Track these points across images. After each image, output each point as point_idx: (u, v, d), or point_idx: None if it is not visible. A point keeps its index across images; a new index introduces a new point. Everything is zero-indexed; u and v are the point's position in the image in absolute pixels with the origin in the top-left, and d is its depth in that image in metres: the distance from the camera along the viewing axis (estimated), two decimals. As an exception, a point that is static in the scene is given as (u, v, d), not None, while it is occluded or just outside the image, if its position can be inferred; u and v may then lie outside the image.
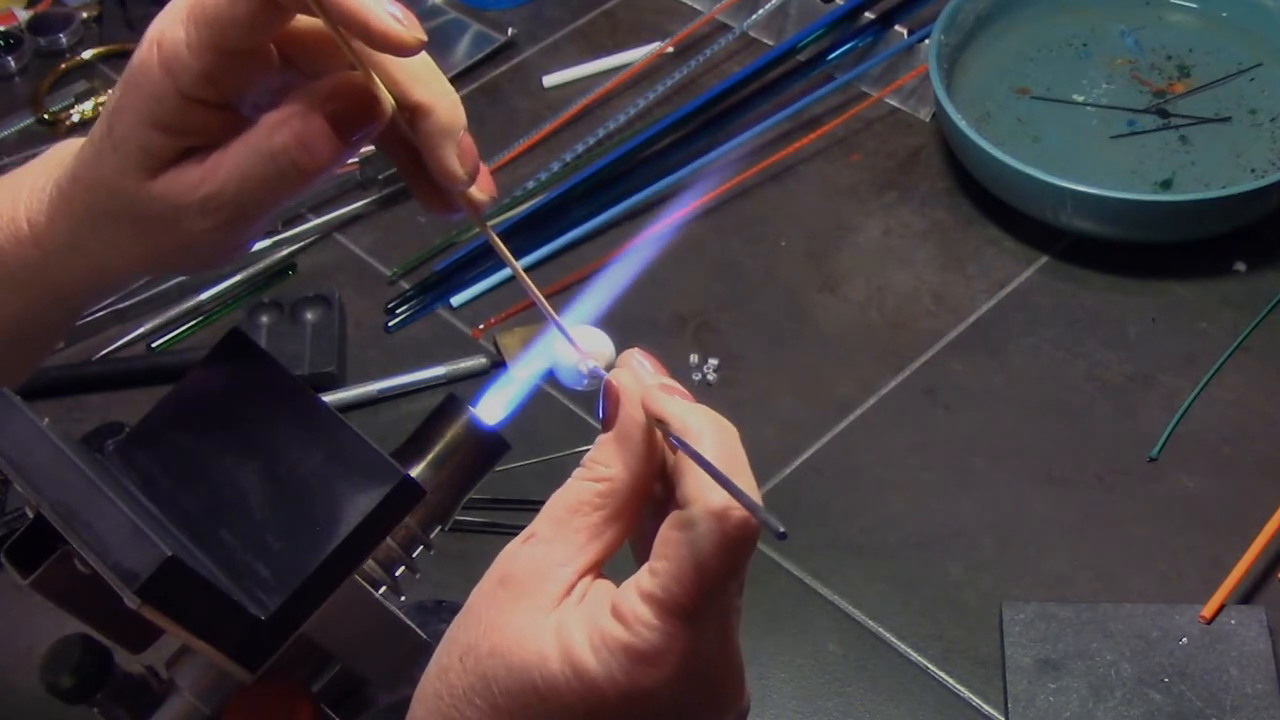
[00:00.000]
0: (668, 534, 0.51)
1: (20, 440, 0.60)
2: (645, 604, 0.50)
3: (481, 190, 0.60)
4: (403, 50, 0.56)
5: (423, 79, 0.59)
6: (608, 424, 0.55)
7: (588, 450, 0.56)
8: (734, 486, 0.49)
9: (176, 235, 0.61)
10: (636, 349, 0.57)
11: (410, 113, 0.59)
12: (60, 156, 0.65)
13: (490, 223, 1.21)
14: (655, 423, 0.54)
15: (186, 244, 0.61)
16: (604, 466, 0.54)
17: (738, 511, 0.49)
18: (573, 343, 0.60)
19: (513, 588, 0.53)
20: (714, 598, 0.51)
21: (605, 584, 0.53)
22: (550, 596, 0.53)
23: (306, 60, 0.61)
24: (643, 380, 0.55)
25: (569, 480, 0.55)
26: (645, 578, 0.51)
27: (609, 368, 0.59)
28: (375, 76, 0.58)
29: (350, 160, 1.27)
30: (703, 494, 0.50)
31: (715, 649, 0.53)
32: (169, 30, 0.58)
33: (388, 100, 0.58)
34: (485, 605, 0.54)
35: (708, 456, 0.50)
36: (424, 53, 0.59)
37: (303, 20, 0.60)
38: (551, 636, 0.52)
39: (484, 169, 0.60)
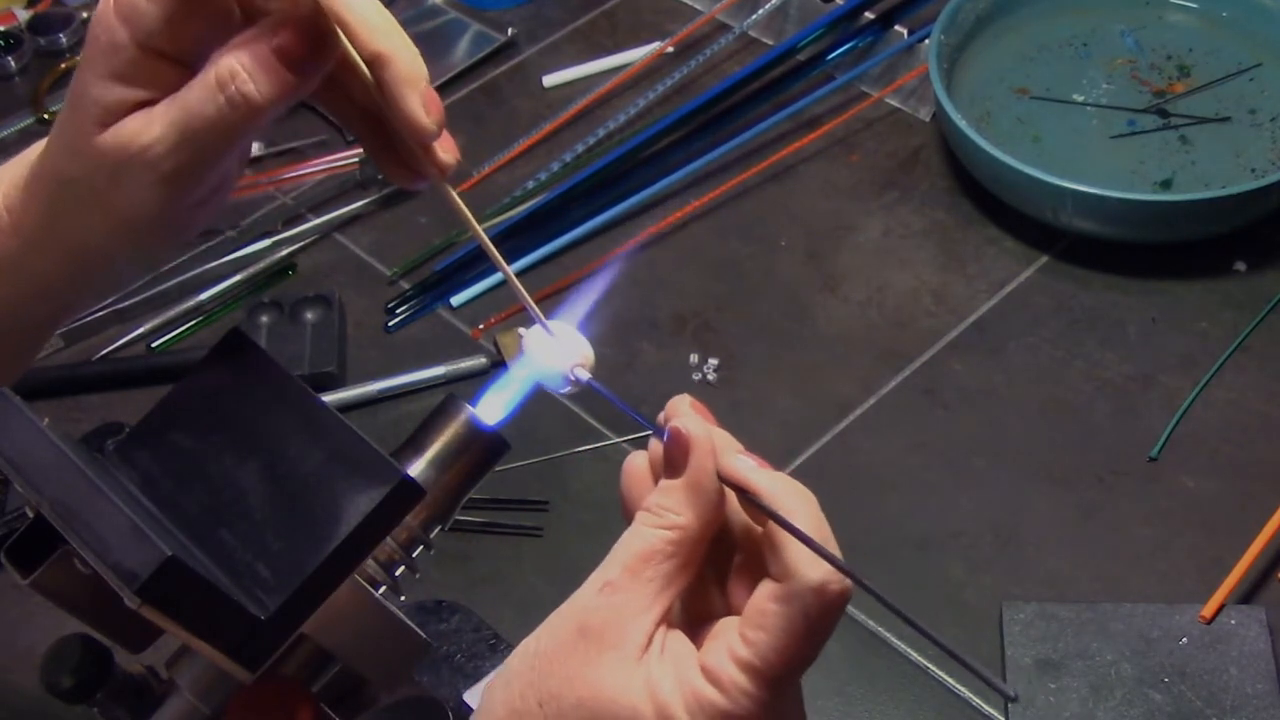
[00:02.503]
0: (766, 606, 0.53)
1: (20, 440, 0.60)
2: (743, 672, 0.52)
3: (446, 152, 0.60)
4: None
5: (382, 29, 0.59)
6: (674, 471, 0.55)
7: (588, 449, 0.56)
8: (905, 612, 0.53)
9: (128, 195, 0.61)
10: (687, 395, 0.57)
11: (371, 65, 0.58)
12: (37, 151, 0.65)
13: (489, 224, 1.21)
14: (740, 491, 0.55)
15: (139, 207, 0.61)
16: (674, 514, 0.55)
17: (835, 586, 0.52)
18: (546, 327, 0.60)
19: (594, 638, 0.54)
20: (806, 666, 0.53)
21: (679, 635, 0.55)
22: (634, 647, 0.54)
23: (265, 14, 0.60)
24: (710, 432, 0.56)
25: (636, 525, 0.55)
26: (739, 644, 0.53)
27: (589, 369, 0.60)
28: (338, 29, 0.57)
29: (350, 160, 1.27)
30: (802, 569, 0.52)
31: (792, 708, 0.55)
32: None
33: (338, 34, 0.58)
34: (565, 654, 0.54)
35: (804, 530, 0.52)
36: (381, 6, 0.59)
37: None
38: (643, 691, 0.53)
39: (446, 132, 0.60)
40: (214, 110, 0.58)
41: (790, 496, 0.54)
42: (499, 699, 0.55)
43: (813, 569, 0.52)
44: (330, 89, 0.61)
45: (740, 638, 0.53)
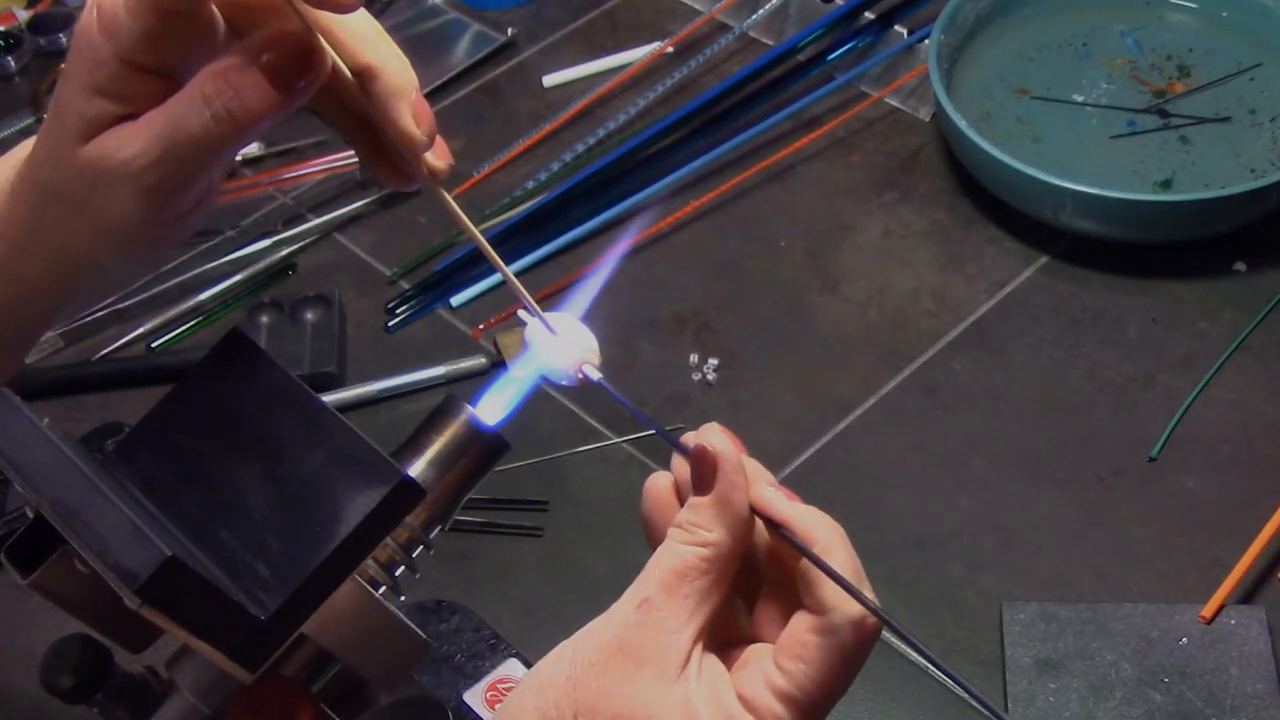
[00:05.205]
0: (805, 638, 0.53)
1: (20, 440, 0.60)
2: (781, 702, 0.53)
3: (439, 158, 0.60)
4: (341, 7, 0.55)
5: (370, 41, 0.58)
6: (703, 488, 0.55)
7: (588, 450, 0.57)
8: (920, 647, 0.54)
9: (110, 207, 0.60)
10: (715, 423, 0.57)
11: (360, 77, 0.58)
12: (24, 152, 0.65)
13: (489, 224, 1.21)
14: (772, 525, 0.55)
15: (122, 217, 0.61)
16: (706, 531, 0.55)
17: (872, 620, 0.53)
18: (547, 324, 0.60)
19: (632, 654, 0.54)
20: (840, 697, 0.54)
21: (714, 659, 0.55)
22: (672, 666, 0.54)
23: (252, 29, 0.59)
24: (738, 451, 0.56)
25: (669, 542, 0.56)
26: (776, 674, 0.53)
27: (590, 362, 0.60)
28: (325, 41, 0.57)
29: (349, 160, 1.27)
30: (842, 603, 0.53)
31: None
32: None
33: (327, 51, 0.57)
34: (603, 668, 0.54)
35: (837, 567, 0.54)
36: (369, 15, 0.59)
37: None
38: (679, 711, 0.53)
39: (439, 137, 0.60)
40: (198, 126, 0.57)
41: (822, 529, 0.55)
42: (530, 703, 0.55)
43: (852, 603, 0.53)
44: (320, 95, 0.60)
45: (777, 668, 0.53)
